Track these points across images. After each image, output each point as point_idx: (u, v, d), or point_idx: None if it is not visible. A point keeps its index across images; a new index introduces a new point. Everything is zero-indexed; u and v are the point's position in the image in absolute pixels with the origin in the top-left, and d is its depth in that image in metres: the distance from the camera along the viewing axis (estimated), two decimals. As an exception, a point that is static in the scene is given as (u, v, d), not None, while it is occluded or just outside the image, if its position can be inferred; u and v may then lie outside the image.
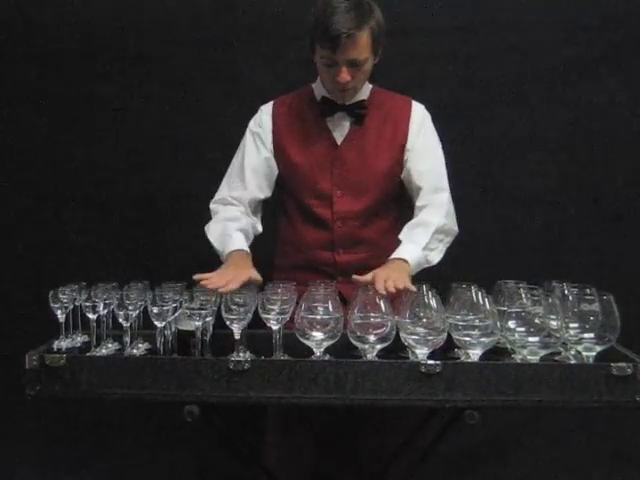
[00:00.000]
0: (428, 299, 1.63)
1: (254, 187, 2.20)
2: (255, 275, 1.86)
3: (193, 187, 2.89)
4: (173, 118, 2.89)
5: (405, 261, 1.95)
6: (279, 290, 1.76)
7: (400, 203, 2.26)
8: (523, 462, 2.84)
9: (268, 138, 2.21)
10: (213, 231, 2.14)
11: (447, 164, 2.25)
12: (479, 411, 1.59)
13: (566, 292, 1.70)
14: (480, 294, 1.64)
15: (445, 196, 2.17)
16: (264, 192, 2.23)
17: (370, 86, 2.23)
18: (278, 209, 2.32)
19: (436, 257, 2.08)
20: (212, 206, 2.24)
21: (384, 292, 1.70)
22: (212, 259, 2.83)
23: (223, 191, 2.24)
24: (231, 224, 2.12)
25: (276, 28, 2.84)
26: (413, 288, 1.73)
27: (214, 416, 1.87)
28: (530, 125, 2.85)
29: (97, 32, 2.87)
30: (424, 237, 2.04)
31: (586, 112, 2.84)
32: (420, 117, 2.21)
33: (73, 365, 1.63)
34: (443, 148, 2.26)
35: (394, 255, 1.99)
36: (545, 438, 2.84)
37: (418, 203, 2.16)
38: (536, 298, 1.66)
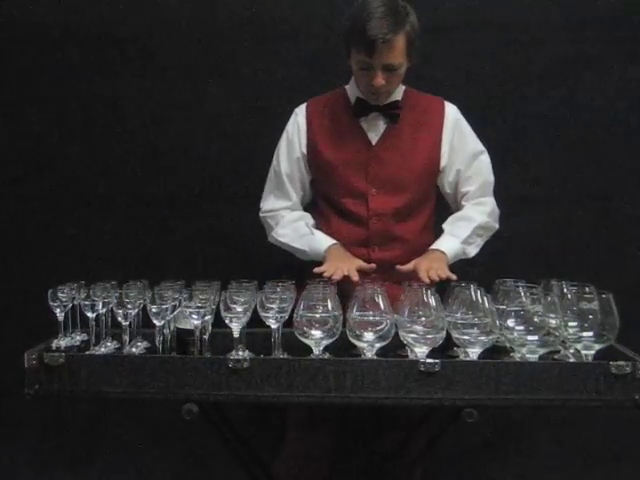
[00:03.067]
0: (427, 298, 1.63)
1: (295, 195, 2.29)
2: (363, 264, 2.05)
3: (193, 186, 2.89)
4: (173, 118, 2.89)
5: (443, 252, 2.09)
6: (278, 289, 1.76)
7: (434, 202, 2.31)
8: (522, 460, 2.84)
9: (302, 140, 2.24)
10: (284, 234, 2.24)
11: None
12: (478, 410, 1.58)
13: (565, 290, 1.70)
14: (479, 293, 1.64)
15: (490, 199, 2.28)
16: (306, 195, 2.33)
17: (403, 87, 2.25)
18: (309, 207, 2.36)
19: (473, 250, 2.20)
20: (264, 215, 2.32)
21: (428, 280, 1.88)
22: (212, 259, 2.85)
23: (270, 200, 2.31)
24: (301, 224, 2.23)
25: (276, 28, 2.84)
26: (454, 277, 1.90)
27: (213, 415, 1.87)
28: (530, 125, 2.86)
29: (97, 32, 2.87)
30: (465, 231, 2.16)
31: (586, 112, 2.84)
32: (454, 117, 2.26)
33: (72, 364, 1.63)
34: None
35: (434, 246, 2.12)
36: (544, 437, 2.84)
37: (464, 202, 2.25)
38: (535, 297, 1.65)
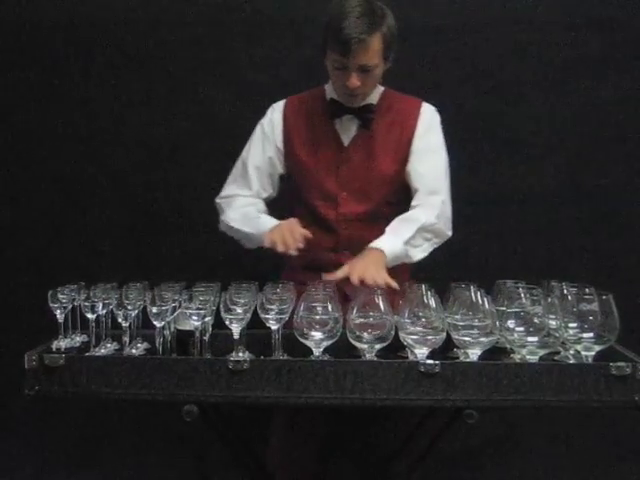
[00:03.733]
0: (427, 299, 1.63)
1: (258, 186, 2.25)
2: (303, 230, 1.99)
3: (193, 187, 2.90)
4: (173, 119, 2.90)
5: (382, 251, 1.97)
6: (278, 290, 1.76)
7: (405, 206, 2.24)
8: (522, 462, 2.84)
9: (278, 136, 2.23)
10: (233, 218, 2.20)
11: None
12: (478, 411, 1.58)
13: (565, 292, 1.70)
14: (479, 294, 1.63)
15: (439, 199, 2.15)
16: (267, 191, 2.28)
17: (381, 89, 2.23)
18: (286, 210, 2.32)
19: (418, 254, 2.09)
20: (219, 201, 2.29)
21: (357, 283, 1.79)
22: (212, 259, 2.85)
23: (230, 188, 2.29)
24: (251, 208, 2.20)
25: (276, 28, 2.84)
26: (394, 284, 1.79)
27: (213, 416, 1.87)
28: (530, 125, 2.86)
29: (97, 32, 2.87)
30: (408, 232, 2.05)
31: (586, 112, 2.84)
32: (428, 118, 2.21)
33: (72, 365, 1.63)
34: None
35: (372, 244, 2.00)
36: (544, 438, 2.84)
37: (413, 203, 2.17)
38: (535, 298, 1.65)
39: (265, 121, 2.27)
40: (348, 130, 2.19)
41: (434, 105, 2.26)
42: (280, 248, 1.94)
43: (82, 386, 1.62)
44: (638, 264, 2.85)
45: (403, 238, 2.03)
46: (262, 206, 2.24)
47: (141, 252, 2.89)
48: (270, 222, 2.11)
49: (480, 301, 1.62)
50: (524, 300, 1.68)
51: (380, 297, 1.64)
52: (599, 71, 2.82)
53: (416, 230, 2.06)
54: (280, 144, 2.23)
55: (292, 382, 1.59)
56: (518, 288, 1.73)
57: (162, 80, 2.89)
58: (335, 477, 2.53)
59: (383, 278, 1.83)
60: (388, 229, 2.07)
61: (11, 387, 1.85)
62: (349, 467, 2.56)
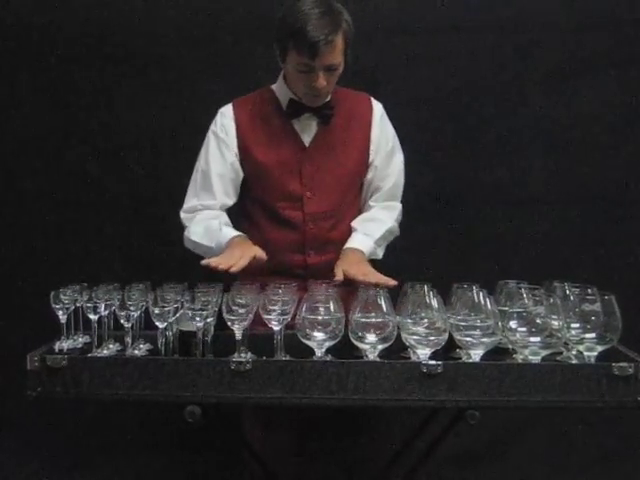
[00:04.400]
0: (429, 299, 1.63)
1: (222, 194, 2.19)
2: (260, 252, 1.90)
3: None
4: (174, 119, 2.90)
5: (362, 251, 2.07)
6: (280, 291, 1.76)
7: (359, 203, 2.28)
8: (524, 462, 2.84)
9: (233, 141, 2.18)
10: (195, 232, 2.13)
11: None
12: (480, 411, 1.58)
13: (567, 292, 1.70)
14: (481, 294, 1.63)
15: (399, 205, 2.28)
16: (231, 199, 2.23)
17: None
18: (239, 213, 2.28)
19: (381, 253, 2.19)
20: (183, 215, 2.22)
21: (373, 283, 1.82)
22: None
23: (192, 200, 2.21)
24: (214, 222, 2.12)
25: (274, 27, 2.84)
26: (393, 282, 1.84)
27: (215, 417, 1.87)
28: (530, 125, 2.86)
29: (97, 32, 2.87)
30: (378, 232, 2.15)
31: (586, 112, 2.84)
32: (380, 114, 2.23)
33: (74, 366, 1.63)
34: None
35: (352, 244, 2.08)
36: (546, 438, 2.84)
37: (373, 202, 2.23)
38: (537, 298, 1.65)
39: (217, 128, 2.21)
40: (308, 129, 2.17)
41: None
42: (221, 266, 1.83)
43: (84, 387, 1.62)
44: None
45: (374, 238, 2.13)
46: (225, 218, 2.17)
47: (143, 253, 2.89)
48: (228, 234, 2.05)
49: (482, 301, 1.62)
50: (526, 300, 1.68)
51: (382, 298, 1.64)
52: (599, 71, 2.82)
53: (385, 231, 2.17)
54: (236, 149, 2.18)
55: (294, 383, 1.59)
56: (520, 288, 1.73)
57: (163, 80, 2.89)
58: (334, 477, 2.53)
59: (382, 277, 1.89)
60: (359, 228, 2.15)
61: (13, 388, 1.85)
62: (349, 468, 2.56)
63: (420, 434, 2.09)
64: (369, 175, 2.23)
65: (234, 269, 1.81)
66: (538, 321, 1.60)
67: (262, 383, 1.59)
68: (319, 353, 1.65)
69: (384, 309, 1.62)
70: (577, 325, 1.62)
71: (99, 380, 1.62)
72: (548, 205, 2.86)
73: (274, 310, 1.71)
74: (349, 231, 2.19)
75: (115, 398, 1.63)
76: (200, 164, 2.23)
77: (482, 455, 2.85)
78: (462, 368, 1.59)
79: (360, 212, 2.27)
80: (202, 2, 2.88)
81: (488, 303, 1.62)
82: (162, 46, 2.87)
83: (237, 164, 2.19)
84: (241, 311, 1.70)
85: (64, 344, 1.81)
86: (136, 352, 1.78)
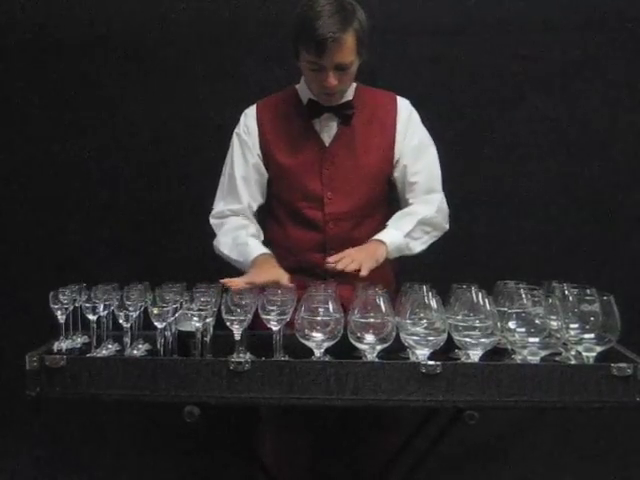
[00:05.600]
0: (428, 300, 1.63)
1: (248, 198, 2.20)
2: (285, 280, 1.86)
3: (193, 188, 2.90)
4: (174, 120, 2.90)
5: (383, 243, 2.00)
6: (279, 291, 1.76)
7: (388, 203, 2.26)
8: (523, 463, 2.84)
9: (255, 142, 2.18)
10: (224, 244, 2.14)
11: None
12: (479, 412, 1.58)
13: (566, 292, 1.70)
14: (480, 295, 1.63)
15: (438, 196, 2.20)
16: (257, 201, 2.23)
17: (354, 85, 2.20)
18: (264, 212, 2.29)
19: (418, 247, 2.12)
20: (213, 221, 2.23)
21: (333, 267, 1.83)
22: (212, 260, 2.85)
23: (219, 205, 2.23)
24: (242, 232, 2.12)
25: (276, 28, 2.84)
26: (364, 273, 1.82)
27: (214, 417, 1.87)
28: (530, 125, 2.86)
29: (97, 33, 2.87)
30: (408, 225, 2.09)
31: (586, 112, 2.85)
32: (407, 113, 2.20)
33: (73, 366, 1.63)
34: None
35: (375, 237, 2.04)
36: (545, 439, 2.84)
37: (411, 199, 2.19)
38: (536, 299, 1.66)
39: (240, 129, 2.21)
40: (328, 129, 2.16)
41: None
42: (229, 284, 1.78)
43: (83, 387, 1.62)
44: (639, 264, 2.85)
45: (404, 231, 2.07)
46: (252, 229, 2.16)
47: (142, 253, 2.89)
48: (255, 250, 2.04)
49: (481, 302, 1.62)
50: (525, 301, 1.68)
51: (381, 298, 1.64)
52: (599, 71, 2.82)
53: (416, 223, 2.09)
54: (258, 150, 2.19)
55: (293, 383, 1.59)
56: (519, 289, 1.73)
57: (164, 80, 2.89)
58: (334, 478, 2.52)
59: (359, 264, 1.85)
60: (390, 222, 2.11)
61: (12, 388, 1.85)
62: (348, 468, 2.56)
63: (419, 434, 2.09)
64: (398, 174, 2.19)
65: (236, 287, 1.78)
66: (537, 321, 1.60)
67: (261, 383, 1.59)
68: (318, 353, 1.65)
69: (383, 309, 1.62)
70: (576, 325, 1.62)
71: (98, 380, 1.62)
72: (547, 205, 2.86)
73: (273, 310, 1.71)
74: (373, 231, 2.15)
75: (114, 398, 1.63)
76: (226, 168, 2.23)
77: (481, 455, 2.85)
78: (461, 368, 1.59)
79: (391, 212, 2.22)
80: (206, 3, 2.88)
81: (487, 303, 1.62)
82: (165, 46, 2.87)
83: (261, 165, 2.19)
84: (240, 311, 1.70)
85: (63, 344, 1.81)
86: (135, 352, 1.78)
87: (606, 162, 2.86)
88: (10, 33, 2.90)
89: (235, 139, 2.22)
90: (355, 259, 1.87)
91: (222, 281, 1.80)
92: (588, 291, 1.65)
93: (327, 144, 2.16)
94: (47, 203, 2.93)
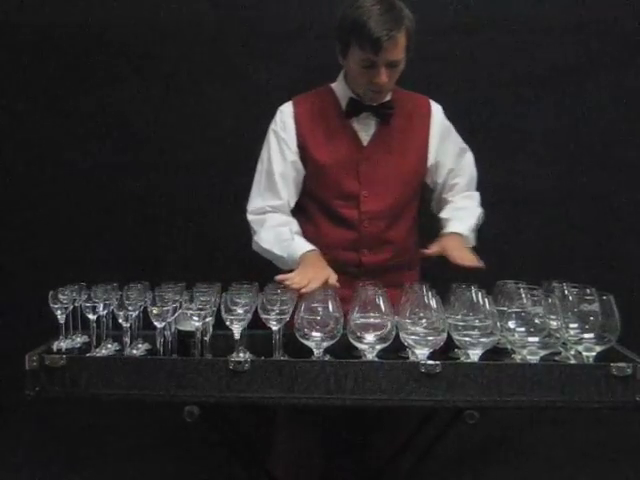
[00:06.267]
0: (428, 299, 1.63)
1: (286, 194, 2.18)
2: (333, 279, 1.86)
3: (193, 187, 2.90)
4: (174, 119, 2.90)
5: (462, 235, 2.11)
6: (279, 291, 1.76)
7: (417, 204, 2.30)
8: (523, 462, 2.84)
9: (293, 139, 2.18)
10: (266, 239, 2.11)
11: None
12: (479, 411, 1.58)
13: (566, 292, 1.70)
14: (480, 294, 1.64)
15: (477, 194, 2.33)
16: (294, 198, 2.22)
17: None
18: (295, 208, 2.26)
19: (474, 240, 2.20)
20: (252, 217, 2.19)
21: (463, 263, 1.92)
22: (213, 260, 2.85)
23: (257, 201, 2.20)
24: (285, 229, 2.11)
25: (276, 28, 2.84)
26: (481, 264, 1.95)
27: (214, 416, 1.87)
28: (530, 125, 2.86)
29: (97, 33, 2.87)
30: (471, 219, 2.19)
31: (586, 112, 2.85)
32: (440, 117, 2.26)
33: (73, 366, 1.63)
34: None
35: (452, 229, 2.11)
36: (545, 438, 2.84)
37: (450, 197, 2.27)
38: (536, 298, 1.66)
39: (277, 126, 2.21)
40: (367, 128, 2.18)
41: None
42: (294, 286, 1.80)
43: (83, 387, 1.62)
44: (639, 264, 2.85)
45: (468, 225, 2.15)
46: (296, 226, 2.14)
47: (142, 253, 2.89)
48: (303, 246, 2.03)
49: (481, 302, 1.62)
50: (525, 301, 1.69)
51: (381, 298, 1.64)
52: (599, 71, 2.82)
53: (477, 217, 2.21)
54: (295, 147, 2.18)
55: (293, 383, 1.59)
56: (519, 289, 1.73)
57: (164, 80, 2.89)
58: (336, 477, 2.52)
59: (477, 261, 1.97)
60: (451, 216, 2.17)
61: (12, 388, 1.85)
62: (349, 467, 2.56)
63: (419, 434, 2.09)
64: (439, 176, 2.26)
65: (305, 290, 1.77)
66: (537, 321, 1.60)
67: (261, 383, 1.59)
68: (317, 353, 1.65)
69: (383, 309, 1.62)
70: (575, 325, 1.62)
71: (97, 380, 1.62)
72: (547, 205, 2.86)
73: (273, 310, 1.71)
74: (405, 231, 2.22)
75: (113, 398, 1.63)
76: (263, 164, 2.22)
77: (481, 455, 2.85)
78: (461, 368, 1.59)
79: (418, 214, 2.30)
80: (204, 4, 2.88)
81: (487, 303, 1.62)
82: (165, 45, 2.87)
83: (298, 162, 2.19)
84: (240, 311, 1.70)
85: (62, 344, 1.81)
86: (134, 352, 1.78)
87: (606, 161, 2.85)
88: (10, 33, 2.89)
89: (272, 135, 2.21)
90: (466, 255, 1.97)
91: (278, 278, 1.81)
92: (588, 291, 1.65)
93: (365, 143, 2.17)
94: (47, 202, 2.93)
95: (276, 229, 2.11)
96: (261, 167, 2.22)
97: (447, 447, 2.54)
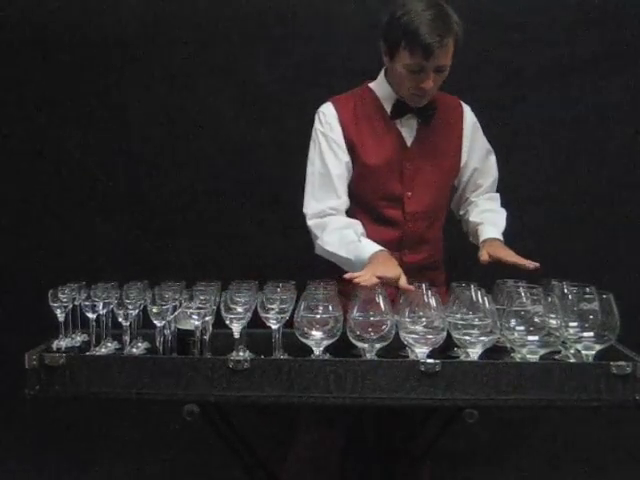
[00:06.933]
0: (427, 298, 1.63)
1: (344, 194, 2.16)
2: (403, 277, 1.83)
3: (193, 186, 2.90)
4: (174, 118, 2.90)
5: (501, 240, 2.15)
6: (278, 290, 1.76)
7: (448, 203, 2.33)
8: (522, 461, 2.84)
9: (341, 141, 2.16)
10: (331, 242, 2.07)
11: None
12: (478, 410, 1.59)
13: (565, 291, 1.70)
14: (479, 293, 1.64)
15: (498, 195, 2.35)
16: (348, 199, 2.19)
17: None
18: None
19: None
20: (312, 222, 2.14)
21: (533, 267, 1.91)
22: (212, 258, 2.85)
23: (313, 205, 2.15)
24: (349, 231, 2.07)
25: (277, 26, 2.84)
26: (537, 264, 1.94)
27: (214, 415, 1.87)
28: (530, 125, 2.86)
29: (97, 31, 2.87)
30: (501, 222, 2.23)
31: (586, 112, 2.84)
32: (472, 118, 2.29)
33: (72, 364, 1.63)
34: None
35: (491, 235, 2.14)
36: (544, 437, 2.84)
37: (474, 197, 2.30)
38: (535, 297, 1.66)
39: (324, 128, 2.16)
40: (409, 129, 2.18)
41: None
42: (357, 280, 1.77)
43: (82, 386, 1.63)
44: (638, 263, 2.85)
45: (500, 228, 2.20)
46: (361, 228, 2.09)
47: (142, 251, 2.89)
48: (372, 247, 1.99)
49: (480, 300, 1.63)
50: (524, 299, 1.68)
51: (381, 296, 1.64)
52: (601, 71, 2.82)
53: (505, 220, 2.25)
54: (345, 147, 2.16)
55: (292, 381, 1.59)
56: (518, 287, 1.73)
57: (165, 81, 2.89)
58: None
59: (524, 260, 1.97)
60: (485, 220, 2.20)
61: (12, 387, 1.85)
62: (350, 467, 2.56)
63: (418, 433, 2.09)
64: (465, 177, 2.28)
65: (366, 285, 1.74)
66: (536, 320, 1.60)
67: (260, 382, 1.60)
68: (317, 352, 1.65)
69: (382, 308, 1.62)
70: (575, 324, 1.62)
71: (97, 379, 1.62)
72: (547, 204, 2.86)
73: (272, 309, 1.71)
74: (439, 230, 2.26)
75: (113, 397, 1.63)
76: (315, 167, 2.16)
77: (480, 454, 2.86)
78: (460, 367, 1.59)
79: (448, 212, 2.33)
80: (204, 4, 2.88)
81: (486, 302, 1.62)
82: (165, 45, 2.87)
83: (350, 163, 2.17)
84: (239, 310, 1.70)
85: (62, 343, 1.81)
86: (134, 350, 1.78)
87: (606, 160, 2.85)
88: (11, 32, 2.89)
89: (320, 137, 2.17)
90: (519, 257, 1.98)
91: (347, 276, 1.79)
92: (587, 289, 1.65)
93: (408, 144, 2.18)
94: (47, 202, 2.93)
95: (341, 231, 2.08)
96: (314, 169, 2.17)
97: (446, 446, 2.55)
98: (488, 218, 2.22)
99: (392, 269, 1.86)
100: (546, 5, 2.82)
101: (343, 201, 2.15)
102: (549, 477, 2.82)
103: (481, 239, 2.14)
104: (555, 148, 2.86)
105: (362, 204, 2.19)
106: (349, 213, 2.19)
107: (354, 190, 2.20)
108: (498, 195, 2.35)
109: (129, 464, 2.85)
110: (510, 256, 1.98)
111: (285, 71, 2.83)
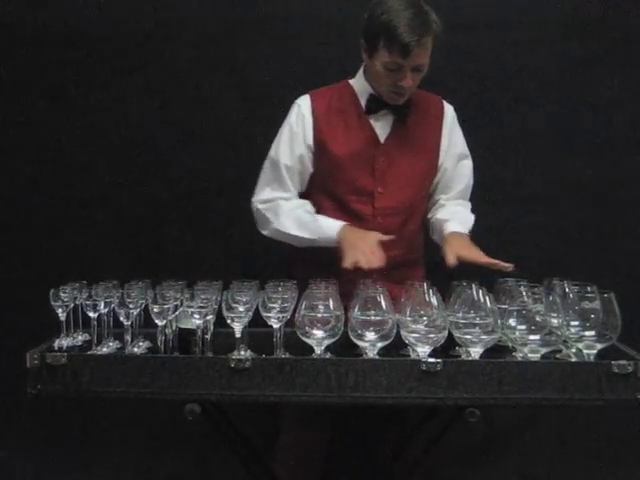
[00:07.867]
0: (429, 297, 1.63)
1: (292, 187, 2.21)
2: (377, 234, 1.98)
3: (194, 186, 2.89)
4: (174, 117, 2.89)
5: (467, 235, 2.15)
6: (279, 289, 1.76)
7: (426, 203, 2.32)
8: (524, 460, 2.84)
9: (309, 133, 2.19)
10: (289, 224, 2.15)
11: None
12: (480, 409, 1.59)
13: (567, 290, 1.70)
14: (481, 292, 1.64)
15: (469, 203, 2.35)
16: (299, 190, 2.25)
17: None
18: (311, 203, 2.26)
19: None
20: (261, 206, 2.22)
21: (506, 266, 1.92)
22: (213, 257, 2.85)
23: (266, 191, 2.22)
24: (301, 211, 2.16)
25: (277, 26, 2.84)
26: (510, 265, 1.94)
27: (215, 414, 1.87)
28: (530, 124, 2.85)
29: (97, 31, 2.87)
30: (469, 222, 2.23)
31: (587, 111, 2.84)
32: (452, 118, 2.28)
33: (74, 364, 1.63)
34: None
35: (455, 229, 2.13)
36: (546, 436, 2.83)
37: (444, 200, 2.28)
38: (537, 296, 1.66)
39: (292, 119, 2.21)
40: (384, 125, 2.19)
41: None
42: (365, 265, 1.89)
43: (84, 385, 1.63)
44: (639, 262, 2.85)
45: (468, 226, 2.20)
46: (310, 207, 2.19)
47: (143, 250, 2.88)
48: (332, 225, 2.08)
49: (482, 299, 1.62)
50: (526, 298, 1.68)
51: (382, 295, 1.64)
52: (601, 70, 2.82)
53: (472, 222, 2.24)
54: (311, 141, 2.19)
55: (294, 380, 1.59)
56: (520, 286, 1.73)
57: (165, 79, 2.88)
58: (336, 474, 2.52)
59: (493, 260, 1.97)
60: (450, 217, 2.19)
61: (13, 386, 1.85)
62: (350, 467, 2.56)
63: (419, 432, 2.09)
64: (436, 178, 2.28)
65: (376, 265, 1.87)
66: (537, 319, 1.60)
67: (261, 381, 1.60)
68: (318, 351, 1.66)
69: (383, 307, 1.62)
70: (576, 323, 1.62)
71: (99, 378, 1.62)
72: (547, 203, 2.85)
73: (274, 308, 1.71)
74: (414, 229, 2.26)
75: (114, 396, 1.63)
76: (270, 153, 2.24)
77: (481, 453, 2.85)
78: (462, 366, 1.59)
79: (426, 212, 2.32)
80: (204, 3, 2.87)
81: (487, 301, 1.62)
82: (166, 44, 2.86)
83: (306, 157, 2.20)
84: (241, 309, 1.70)
85: (64, 342, 1.81)
86: (135, 350, 1.78)
87: (606, 160, 2.85)
88: (11, 32, 2.89)
89: (285, 128, 2.22)
90: (479, 254, 2.00)
91: (346, 266, 1.86)
92: (589, 288, 1.65)
93: (382, 140, 2.19)
94: (47, 201, 2.92)
95: (293, 213, 2.15)
96: (270, 154, 2.24)
97: (448, 445, 2.55)
98: (455, 216, 2.21)
99: (368, 238, 1.98)
100: (545, 6, 2.81)
101: (294, 194, 2.21)
102: (549, 477, 2.82)
103: (445, 232, 2.13)
104: (557, 147, 2.86)
105: (333, 198, 2.21)
106: (321, 207, 2.21)
107: (325, 184, 2.22)
108: (470, 204, 2.34)
109: (130, 463, 2.85)
110: (480, 257, 1.97)
111: (285, 71, 2.83)
